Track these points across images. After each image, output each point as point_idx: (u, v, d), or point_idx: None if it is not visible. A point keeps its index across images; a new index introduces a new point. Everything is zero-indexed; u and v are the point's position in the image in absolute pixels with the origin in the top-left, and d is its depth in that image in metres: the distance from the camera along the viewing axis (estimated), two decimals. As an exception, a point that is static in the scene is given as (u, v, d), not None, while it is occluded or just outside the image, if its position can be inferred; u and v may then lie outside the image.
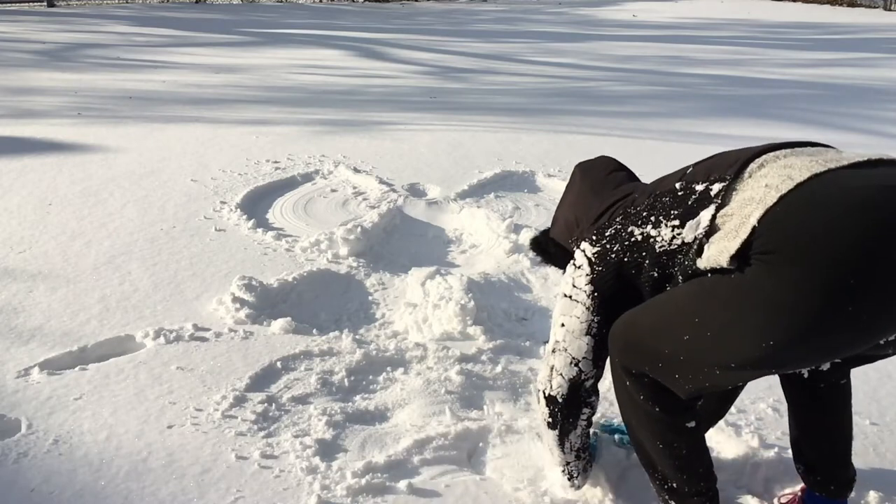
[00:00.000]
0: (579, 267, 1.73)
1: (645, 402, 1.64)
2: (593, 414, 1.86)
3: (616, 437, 2.16)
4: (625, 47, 10.51)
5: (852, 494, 1.88)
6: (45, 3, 14.10)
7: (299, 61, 8.69)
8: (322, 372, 2.52)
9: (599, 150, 5.06)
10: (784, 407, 1.92)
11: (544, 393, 1.82)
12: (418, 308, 2.94)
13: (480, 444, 2.21)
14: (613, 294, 1.68)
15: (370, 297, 3.11)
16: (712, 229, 1.46)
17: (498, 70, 8.56)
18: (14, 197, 4.05)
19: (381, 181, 4.42)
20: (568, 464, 1.91)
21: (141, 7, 14.45)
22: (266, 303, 2.95)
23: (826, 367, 1.73)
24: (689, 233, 1.51)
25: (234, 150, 4.98)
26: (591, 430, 2.05)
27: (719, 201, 1.48)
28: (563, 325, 1.75)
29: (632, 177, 1.93)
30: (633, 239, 1.63)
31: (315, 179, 4.49)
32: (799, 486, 1.93)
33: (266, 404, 2.34)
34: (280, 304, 2.99)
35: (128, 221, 3.75)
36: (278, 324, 2.79)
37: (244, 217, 3.83)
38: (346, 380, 2.49)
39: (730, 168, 1.51)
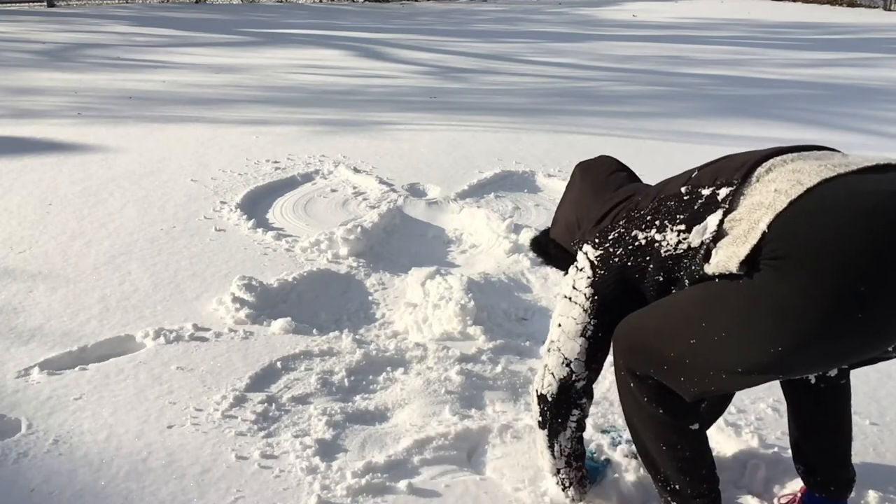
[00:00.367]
0: (581, 269, 1.73)
1: (648, 404, 1.64)
2: (584, 417, 1.85)
3: (610, 436, 2.16)
4: (625, 47, 10.51)
5: (852, 495, 1.88)
6: (45, 3, 14.10)
7: (299, 61, 8.69)
8: (322, 372, 2.52)
9: (599, 150, 5.05)
10: (784, 407, 1.92)
11: (536, 391, 1.84)
12: (418, 308, 2.94)
13: (480, 444, 2.21)
14: (614, 298, 1.68)
15: (370, 297, 3.11)
16: (720, 234, 1.45)
17: (498, 70, 8.56)
18: (14, 197, 4.05)
19: (381, 181, 4.42)
20: (559, 471, 1.90)
21: (141, 7, 14.45)
22: (266, 303, 2.95)
23: (833, 372, 1.73)
24: (696, 238, 1.50)
25: (234, 150, 4.98)
26: (603, 458, 2.06)
27: (727, 206, 1.46)
28: (559, 325, 1.76)
29: (632, 177, 1.93)
30: (637, 243, 1.62)
31: (315, 179, 4.49)
32: (799, 487, 1.93)
33: (266, 404, 2.34)
34: (280, 304, 2.99)
35: (128, 221, 3.75)
36: (278, 324, 2.79)
37: (244, 217, 3.83)
38: (346, 380, 2.49)
39: (737, 172, 1.50)
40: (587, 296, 1.70)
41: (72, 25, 11.56)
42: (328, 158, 4.85)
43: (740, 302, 1.41)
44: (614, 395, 2.40)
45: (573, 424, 1.84)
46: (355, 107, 6.41)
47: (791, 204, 1.37)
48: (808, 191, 1.37)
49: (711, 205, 1.50)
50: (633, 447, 1.85)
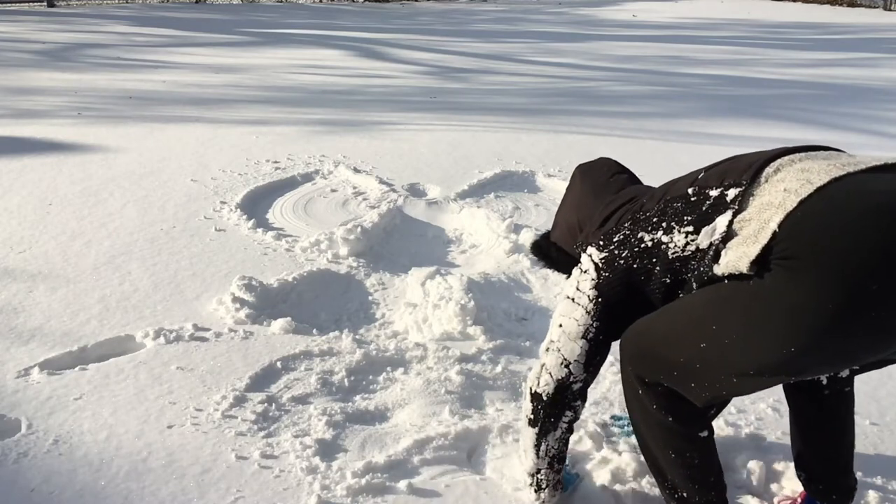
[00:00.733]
0: (585, 271, 1.72)
1: (657, 412, 1.63)
2: (576, 419, 1.84)
3: (617, 424, 2.19)
4: (625, 47, 10.51)
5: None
6: (45, 3, 14.10)
7: (299, 61, 8.69)
8: (322, 372, 2.52)
9: (599, 150, 5.06)
10: (784, 407, 1.92)
11: (531, 389, 1.82)
12: (418, 308, 2.94)
13: (480, 444, 2.21)
14: (618, 301, 1.67)
15: (370, 297, 3.11)
16: (729, 235, 1.45)
17: (498, 70, 8.56)
18: (14, 197, 4.05)
19: (381, 181, 4.42)
20: (539, 471, 1.88)
21: (141, 7, 14.45)
22: (266, 303, 2.95)
23: (845, 373, 1.72)
24: (705, 239, 1.49)
25: (234, 150, 4.99)
26: (574, 471, 2.03)
27: (736, 206, 1.46)
28: (560, 325, 1.75)
29: (633, 179, 1.92)
30: (642, 245, 1.61)
31: (315, 179, 4.49)
32: (798, 487, 1.93)
33: (266, 404, 2.34)
34: (280, 304, 2.99)
35: (128, 221, 3.75)
36: (278, 324, 2.79)
37: (244, 217, 3.83)
38: (346, 380, 2.49)
39: (745, 173, 1.49)
40: (590, 298, 1.69)
41: (72, 25, 11.56)
42: (328, 158, 4.85)
43: (751, 303, 1.40)
44: (614, 395, 2.41)
45: (564, 425, 1.83)
46: (355, 107, 6.41)
47: (801, 203, 1.36)
48: (818, 190, 1.37)
49: (720, 206, 1.49)
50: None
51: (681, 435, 1.64)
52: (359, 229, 3.55)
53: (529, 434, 1.85)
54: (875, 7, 17.70)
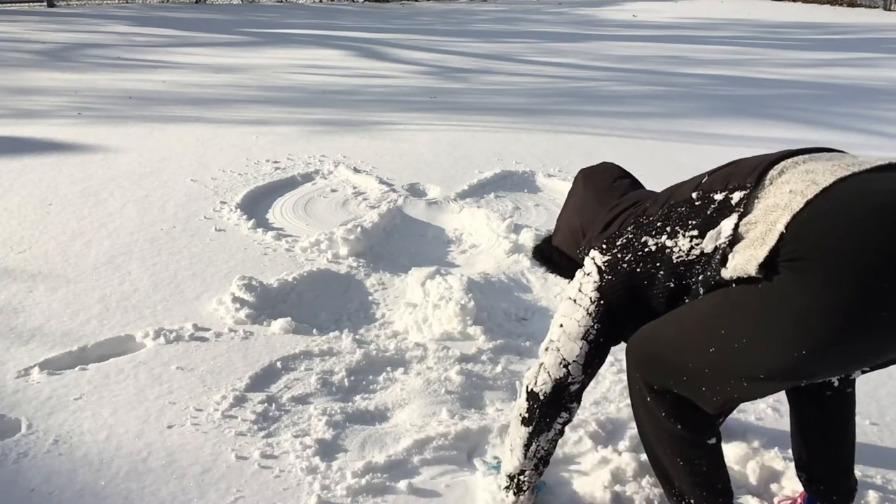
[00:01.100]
0: (588, 274, 1.71)
1: (666, 419, 1.62)
2: (569, 422, 1.83)
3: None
4: (625, 47, 10.51)
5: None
6: (45, 3, 14.10)
7: (299, 61, 8.69)
8: (322, 372, 2.52)
9: (599, 150, 5.04)
10: (784, 407, 1.92)
11: (527, 388, 1.80)
12: (418, 308, 2.94)
13: (480, 444, 2.21)
14: (620, 304, 1.66)
15: (370, 297, 3.11)
16: (735, 238, 1.44)
17: (498, 70, 8.56)
18: (14, 197, 4.05)
19: (381, 181, 4.42)
20: (522, 472, 1.86)
21: (141, 7, 14.45)
22: (266, 303, 2.95)
23: (856, 374, 1.71)
24: (710, 243, 1.49)
25: (234, 150, 4.99)
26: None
27: (741, 209, 1.45)
28: (561, 325, 1.74)
29: (636, 184, 1.91)
30: (646, 249, 1.60)
31: (315, 179, 4.49)
32: (798, 487, 1.93)
33: (266, 404, 2.34)
34: (280, 304, 2.99)
35: (128, 221, 3.75)
36: (278, 324, 2.79)
37: (244, 217, 3.83)
38: (346, 380, 2.49)
39: (749, 176, 1.49)
40: (592, 299, 1.69)
41: (72, 25, 11.56)
42: (328, 158, 4.85)
43: (760, 306, 1.39)
44: (614, 394, 2.41)
45: (557, 427, 1.82)
46: (355, 107, 6.41)
47: (807, 204, 1.36)
48: (824, 190, 1.36)
49: (725, 209, 1.48)
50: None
51: (690, 442, 1.64)
52: (359, 229, 3.55)
53: (521, 433, 1.83)
54: (875, 7, 17.70)
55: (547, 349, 1.77)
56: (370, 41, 10.53)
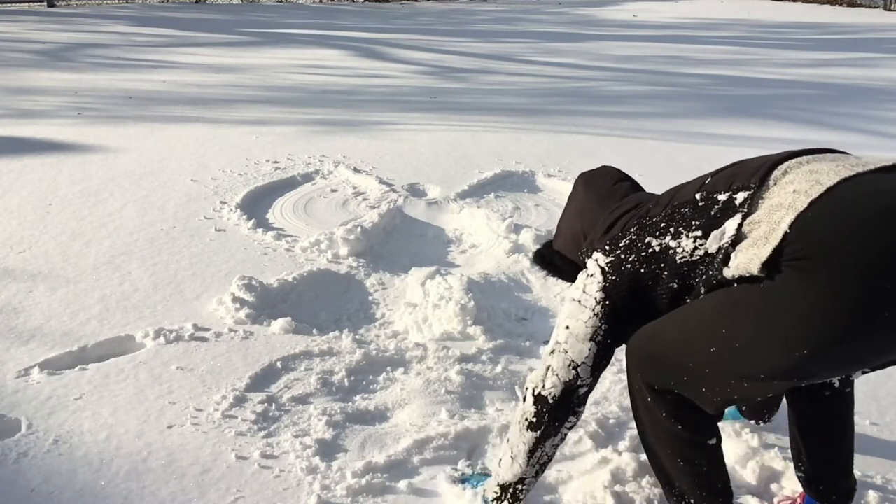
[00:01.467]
0: (592, 275, 1.69)
1: (667, 419, 1.61)
2: (574, 426, 1.80)
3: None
4: (625, 47, 10.51)
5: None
6: (45, 3, 14.10)
7: (299, 61, 8.69)
8: (322, 372, 2.52)
9: (599, 150, 5.04)
10: (784, 406, 1.92)
11: (534, 391, 1.75)
12: (418, 308, 2.94)
13: (480, 444, 2.21)
14: (625, 305, 1.65)
15: (370, 297, 3.11)
16: (739, 238, 1.44)
17: (498, 70, 8.56)
18: (14, 197, 4.05)
19: (381, 181, 4.42)
20: (521, 481, 1.81)
21: (141, 7, 14.45)
22: (266, 303, 2.95)
23: (856, 375, 1.71)
24: (714, 243, 1.48)
25: (234, 150, 4.99)
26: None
27: (745, 209, 1.45)
28: (567, 327, 1.71)
29: (636, 187, 1.91)
30: (650, 250, 1.59)
31: (315, 179, 4.49)
32: (799, 487, 1.93)
33: (266, 404, 2.34)
34: (280, 304, 2.99)
35: (128, 221, 3.75)
36: (278, 324, 2.79)
37: (244, 217, 3.83)
38: (346, 380, 2.49)
39: (753, 176, 1.48)
40: (598, 300, 1.67)
41: (72, 25, 11.56)
42: (328, 158, 4.85)
43: (762, 306, 1.39)
44: (614, 394, 2.41)
45: (564, 431, 1.78)
46: (355, 107, 6.41)
47: (811, 204, 1.35)
48: (828, 190, 1.36)
49: (729, 209, 1.48)
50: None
51: (690, 443, 1.63)
52: (359, 229, 3.55)
53: (526, 438, 1.78)
54: (875, 7, 17.70)
55: (553, 352, 1.73)
56: (370, 41, 10.53)
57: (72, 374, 2.46)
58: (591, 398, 2.37)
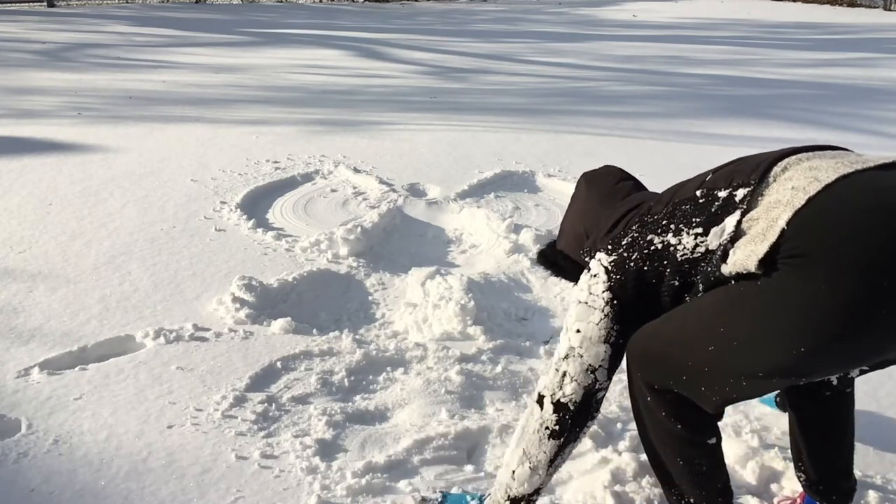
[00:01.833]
0: (595, 275, 1.68)
1: (666, 419, 1.61)
2: (589, 429, 1.77)
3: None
4: (625, 47, 10.51)
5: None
6: (45, 3, 14.10)
7: (299, 61, 8.69)
8: (322, 372, 2.52)
9: (599, 150, 5.04)
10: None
11: (552, 399, 1.69)
12: (418, 308, 2.94)
13: (480, 444, 2.21)
14: (631, 304, 1.63)
15: (370, 297, 3.11)
16: (737, 234, 1.44)
17: (498, 70, 8.56)
18: (14, 197, 4.05)
19: (381, 181, 4.42)
20: (538, 490, 1.77)
21: (141, 7, 14.45)
22: (266, 303, 2.95)
23: (854, 373, 1.70)
24: (714, 240, 1.48)
25: (234, 150, 4.99)
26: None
27: (745, 206, 1.44)
28: (578, 330, 1.67)
29: (639, 186, 1.90)
30: (652, 247, 1.59)
31: (315, 179, 4.49)
32: (798, 487, 1.93)
33: (266, 404, 2.34)
34: (280, 304, 2.99)
35: (128, 221, 3.75)
36: (278, 324, 2.79)
37: (244, 217, 3.83)
38: (346, 380, 2.49)
39: (753, 173, 1.48)
40: (606, 300, 1.65)
41: (72, 25, 11.56)
42: (328, 158, 4.85)
43: (759, 304, 1.39)
44: (613, 394, 2.41)
45: (583, 436, 1.76)
46: (355, 107, 6.41)
47: (809, 200, 1.35)
48: (826, 187, 1.36)
49: (729, 206, 1.48)
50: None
51: (690, 442, 1.63)
52: (359, 229, 3.55)
53: (548, 447, 1.73)
54: (875, 7, 17.70)
55: (567, 357, 1.69)
56: (370, 41, 10.53)
57: (72, 374, 2.46)
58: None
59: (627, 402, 2.18)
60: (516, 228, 3.69)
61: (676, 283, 1.57)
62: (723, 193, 1.51)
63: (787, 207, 1.37)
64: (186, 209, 3.93)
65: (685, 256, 1.53)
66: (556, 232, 2.04)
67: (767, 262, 1.37)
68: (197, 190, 4.22)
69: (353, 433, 2.24)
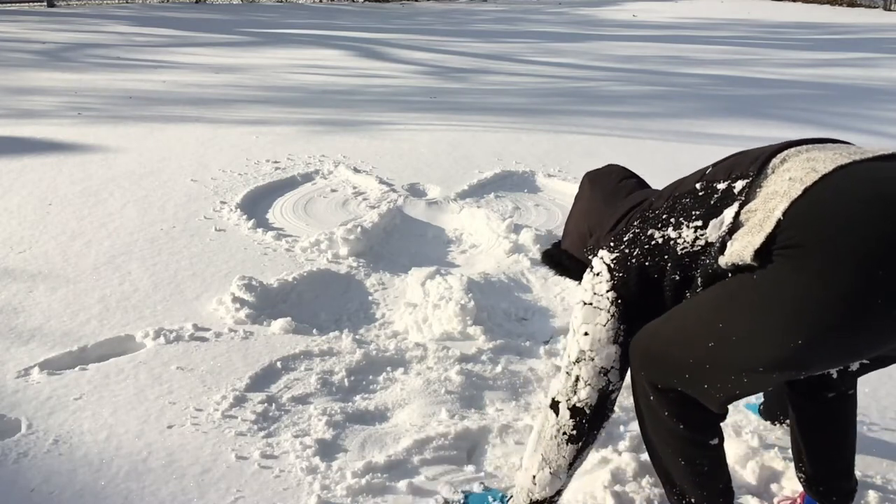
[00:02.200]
0: (598, 274, 1.67)
1: (669, 419, 1.60)
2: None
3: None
4: (625, 47, 10.51)
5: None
6: (45, 3, 14.10)
7: (299, 61, 8.69)
8: (322, 372, 2.52)
9: (599, 150, 5.04)
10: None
11: (568, 405, 1.69)
12: (418, 308, 2.94)
13: (480, 444, 2.21)
14: (636, 301, 1.63)
15: (370, 297, 3.11)
16: (735, 226, 1.43)
17: (498, 70, 8.56)
18: (14, 197, 4.05)
19: (381, 181, 4.42)
20: (560, 492, 1.78)
21: (141, 7, 14.45)
22: (266, 303, 2.95)
23: (854, 366, 1.69)
24: (713, 232, 1.48)
25: (234, 150, 4.99)
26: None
27: (743, 198, 1.44)
28: (586, 333, 1.66)
29: (642, 184, 1.90)
30: (653, 242, 1.58)
31: (315, 179, 4.49)
32: (799, 487, 1.93)
33: (266, 404, 2.34)
34: (280, 304, 2.99)
35: (128, 221, 3.75)
36: (278, 324, 2.79)
37: (244, 217, 3.83)
38: (346, 380, 2.49)
39: (752, 165, 1.48)
40: (611, 300, 1.64)
41: (72, 25, 11.56)
42: (328, 158, 4.85)
43: (756, 297, 1.38)
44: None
45: (601, 436, 1.75)
46: (355, 107, 6.41)
47: (806, 191, 1.35)
48: (823, 178, 1.36)
49: (728, 198, 1.48)
50: None
51: (692, 442, 1.62)
52: (359, 229, 3.55)
53: (567, 451, 1.73)
54: (875, 7, 17.70)
55: (578, 361, 1.68)
56: (370, 41, 10.53)
57: (72, 374, 2.46)
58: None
59: (627, 402, 2.19)
60: (516, 228, 3.69)
61: (677, 278, 1.56)
62: (722, 186, 1.51)
63: (783, 198, 1.37)
64: (186, 209, 3.93)
65: (685, 250, 1.53)
66: (557, 232, 2.04)
67: (764, 253, 1.37)
68: (197, 190, 4.22)
69: (353, 433, 2.24)
